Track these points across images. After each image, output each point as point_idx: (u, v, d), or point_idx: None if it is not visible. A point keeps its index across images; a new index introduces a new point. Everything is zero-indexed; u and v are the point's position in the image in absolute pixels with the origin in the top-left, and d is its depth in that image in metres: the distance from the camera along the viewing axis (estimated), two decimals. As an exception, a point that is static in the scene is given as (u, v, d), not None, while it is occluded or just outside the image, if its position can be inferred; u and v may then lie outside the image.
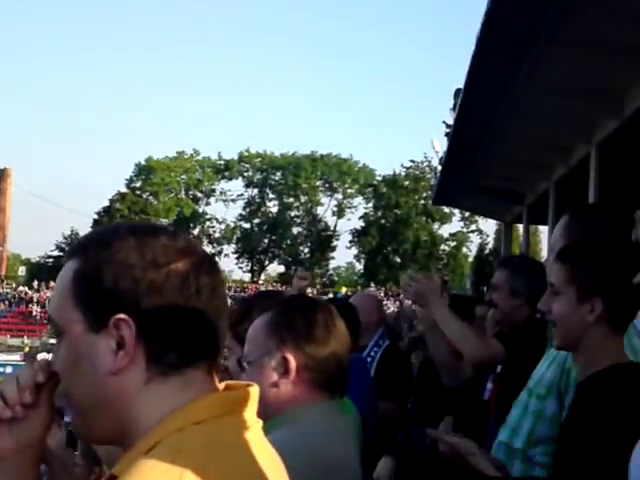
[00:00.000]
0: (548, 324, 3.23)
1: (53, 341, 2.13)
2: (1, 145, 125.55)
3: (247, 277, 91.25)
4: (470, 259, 77.88)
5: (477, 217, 76.29)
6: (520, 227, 23.04)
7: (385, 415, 5.78)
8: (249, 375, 2.55)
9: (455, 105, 16.21)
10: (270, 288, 68.86)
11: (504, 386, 4.60)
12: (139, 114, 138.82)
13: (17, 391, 1.57)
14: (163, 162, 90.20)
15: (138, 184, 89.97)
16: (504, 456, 3.41)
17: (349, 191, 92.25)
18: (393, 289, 72.46)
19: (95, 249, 1.49)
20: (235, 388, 1.57)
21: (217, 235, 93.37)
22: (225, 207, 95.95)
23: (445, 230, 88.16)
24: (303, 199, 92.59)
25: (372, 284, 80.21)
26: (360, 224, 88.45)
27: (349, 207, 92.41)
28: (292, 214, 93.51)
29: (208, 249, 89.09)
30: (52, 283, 57.78)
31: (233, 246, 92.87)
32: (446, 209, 78.40)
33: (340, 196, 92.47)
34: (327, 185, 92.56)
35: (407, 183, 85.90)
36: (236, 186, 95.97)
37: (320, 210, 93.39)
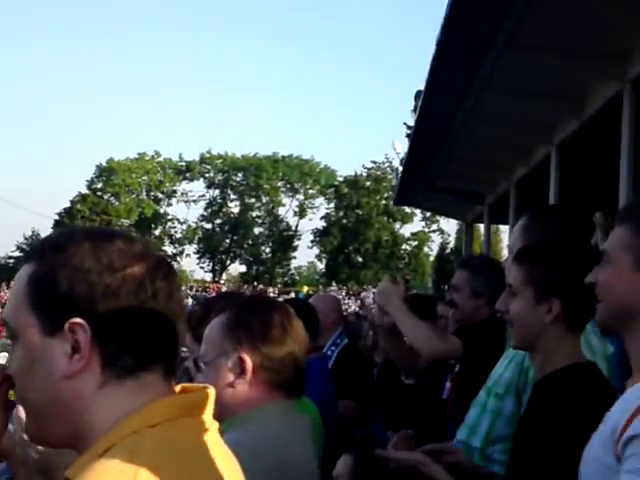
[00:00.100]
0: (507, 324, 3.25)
1: (12, 342, 2.11)
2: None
3: (209, 277, 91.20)
4: (431, 258, 78.17)
5: (438, 217, 76.57)
6: (481, 227, 23.15)
7: (345, 414, 5.81)
8: (205, 375, 2.55)
9: (416, 107, 16.29)
10: (232, 287, 68.95)
11: (462, 385, 4.63)
12: (100, 115, 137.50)
13: None
14: (124, 163, 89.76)
15: (99, 185, 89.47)
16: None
17: (310, 192, 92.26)
18: (354, 288, 72.62)
19: (50, 253, 1.49)
20: (192, 391, 1.56)
21: (179, 235, 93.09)
22: (187, 208, 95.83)
23: (407, 230, 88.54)
24: (265, 200, 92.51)
25: (333, 283, 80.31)
26: (322, 224, 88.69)
27: (310, 207, 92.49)
28: (254, 214, 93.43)
29: (170, 249, 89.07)
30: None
31: (195, 246, 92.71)
32: (407, 209, 78.64)
33: (301, 197, 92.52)
34: (288, 186, 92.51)
35: (368, 184, 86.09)
36: (197, 187, 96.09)
37: (282, 210, 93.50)
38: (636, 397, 2.06)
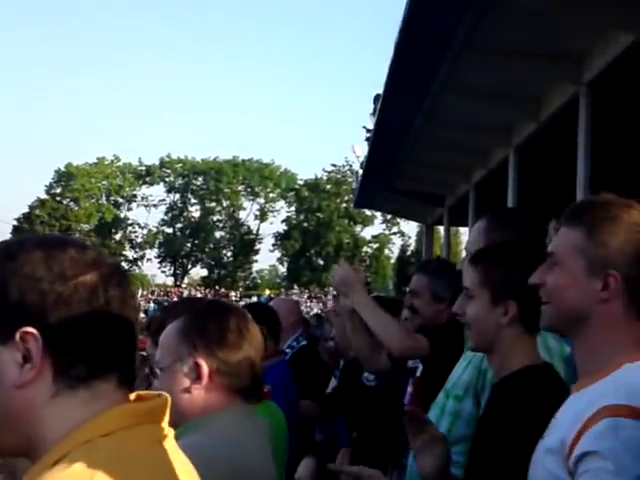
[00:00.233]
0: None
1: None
2: None
3: (170, 281, 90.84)
4: (392, 261, 78.35)
5: (399, 219, 76.80)
6: (441, 229, 23.23)
7: (307, 413, 5.84)
8: (161, 381, 2.53)
9: (375, 110, 16.33)
10: (193, 292, 68.76)
11: (424, 389, 4.59)
12: (58, 120, 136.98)
13: None
14: (83, 168, 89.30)
15: (58, 190, 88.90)
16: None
17: (271, 195, 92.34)
18: (316, 291, 72.71)
19: (1, 262, 1.47)
20: (147, 398, 1.55)
21: (139, 240, 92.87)
22: (147, 212, 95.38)
23: (367, 232, 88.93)
24: (225, 204, 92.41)
25: (295, 286, 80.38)
26: (283, 227, 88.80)
27: (271, 211, 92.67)
28: (214, 218, 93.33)
29: (130, 254, 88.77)
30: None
31: (156, 251, 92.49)
32: (368, 212, 78.82)
33: (262, 200, 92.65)
34: (249, 190, 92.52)
35: (329, 187, 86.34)
36: (157, 191, 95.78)
37: (242, 214, 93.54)
38: (583, 408, 2.05)
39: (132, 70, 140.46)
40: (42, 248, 1.48)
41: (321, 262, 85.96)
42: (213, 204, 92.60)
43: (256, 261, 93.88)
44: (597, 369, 2.17)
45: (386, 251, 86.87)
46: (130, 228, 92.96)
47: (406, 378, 5.48)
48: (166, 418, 1.54)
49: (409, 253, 63.97)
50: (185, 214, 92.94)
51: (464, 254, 3.91)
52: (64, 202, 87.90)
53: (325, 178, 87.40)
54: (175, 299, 43.72)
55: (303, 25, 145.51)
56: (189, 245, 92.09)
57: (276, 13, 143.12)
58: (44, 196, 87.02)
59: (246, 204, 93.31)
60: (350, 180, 78.86)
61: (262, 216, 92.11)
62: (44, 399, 1.43)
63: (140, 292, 71.92)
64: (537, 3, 8.03)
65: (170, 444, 1.54)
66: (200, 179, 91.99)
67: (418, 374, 4.97)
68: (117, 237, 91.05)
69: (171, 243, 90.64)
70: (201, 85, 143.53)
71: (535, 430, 2.27)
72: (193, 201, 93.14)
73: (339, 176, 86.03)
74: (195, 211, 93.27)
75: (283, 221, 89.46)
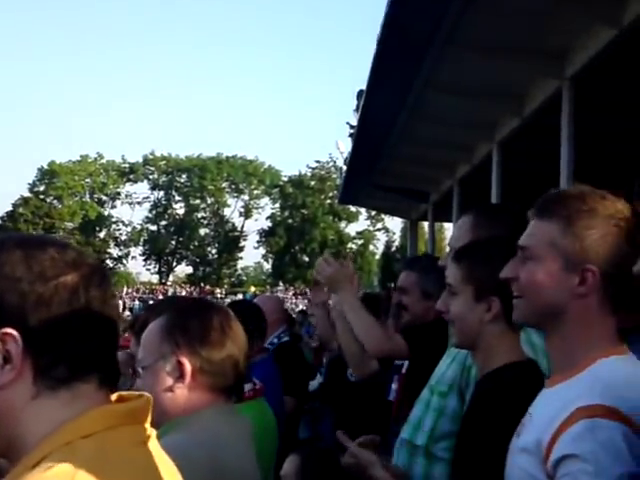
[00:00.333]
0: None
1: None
2: None
3: (155, 279, 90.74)
4: (377, 257, 78.42)
5: (383, 215, 76.85)
6: (426, 225, 23.22)
7: (288, 410, 5.87)
8: (144, 380, 2.52)
9: (358, 106, 16.32)
10: (178, 289, 68.68)
11: (410, 386, 4.58)
12: (41, 118, 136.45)
13: None
14: (66, 166, 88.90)
15: (41, 188, 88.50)
16: (407, 453, 3.43)
17: (255, 192, 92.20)
18: (301, 287, 72.70)
19: None
20: (128, 399, 1.54)
21: (124, 238, 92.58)
22: (131, 210, 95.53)
23: (352, 229, 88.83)
24: (209, 201, 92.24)
25: (280, 283, 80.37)
26: (267, 224, 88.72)
27: (256, 208, 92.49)
28: (199, 215, 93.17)
29: (115, 252, 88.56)
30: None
31: (140, 248, 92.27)
32: (352, 208, 78.79)
33: (247, 197, 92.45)
34: (233, 186, 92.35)
35: (313, 183, 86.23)
36: (141, 189, 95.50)
37: (227, 211, 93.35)
38: (558, 408, 2.04)
39: (115, 67, 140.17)
40: (22, 248, 1.47)
41: (306, 259, 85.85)
42: (197, 201, 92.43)
43: (241, 258, 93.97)
44: (572, 364, 2.16)
45: (371, 247, 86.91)
46: (114, 226, 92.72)
47: (391, 374, 5.49)
48: (148, 419, 1.53)
49: (394, 249, 64.01)
50: (169, 211, 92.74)
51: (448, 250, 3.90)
52: (47, 200, 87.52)
53: (309, 174, 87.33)
54: (160, 297, 43.70)
55: (286, 22, 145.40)
56: (174, 242, 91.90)
57: (259, 10, 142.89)
58: (27, 194, 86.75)
59: (230, 201, 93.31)
60: (334, 176, 78.82)
61: (246, 213, 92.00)
62: (24, 400, 1.43)
63: (125, 290, 71.83)
64: (519, -1, 8.05)
65: (153, 445, 1.53)
66: (184, 176, 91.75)
67: (404, 371, 4.98)
68: (101, 235, 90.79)
69: (156, 240, 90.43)
70: (184, 82, 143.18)
71: (516, 426, 2.27)
72: (177, 198, 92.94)
73: (323, 172, 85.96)
74: (179, 208, 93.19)
75: (268, 218, 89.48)
